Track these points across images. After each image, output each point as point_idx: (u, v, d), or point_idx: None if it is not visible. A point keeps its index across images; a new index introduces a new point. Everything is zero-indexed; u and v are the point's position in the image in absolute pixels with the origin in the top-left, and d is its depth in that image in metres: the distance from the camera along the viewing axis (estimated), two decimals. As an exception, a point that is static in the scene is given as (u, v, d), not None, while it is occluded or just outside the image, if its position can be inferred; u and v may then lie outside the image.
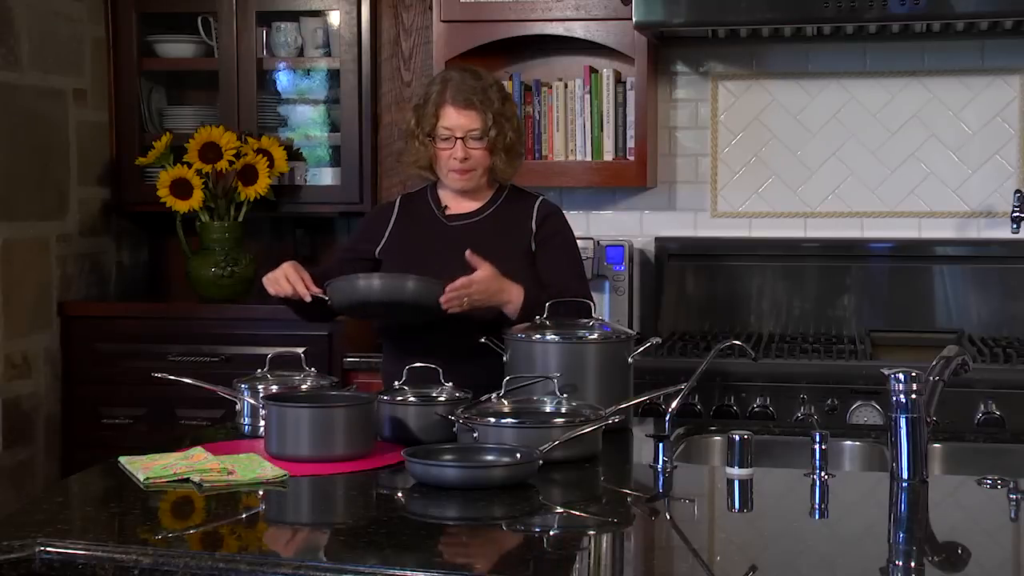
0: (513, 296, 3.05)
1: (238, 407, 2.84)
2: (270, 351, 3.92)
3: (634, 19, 3.89)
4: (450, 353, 2.95)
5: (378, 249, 3.30)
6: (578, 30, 4.15)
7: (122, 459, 2.52)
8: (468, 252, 3.01)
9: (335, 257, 3.47)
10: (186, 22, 4.57)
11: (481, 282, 2.98)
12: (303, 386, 2.82)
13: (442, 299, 2.94)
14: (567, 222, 3.37)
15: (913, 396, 2.36)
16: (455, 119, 3.19)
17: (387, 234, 3.31)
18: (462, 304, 2.96)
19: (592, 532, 2.23)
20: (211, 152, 4.30)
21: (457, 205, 3.31)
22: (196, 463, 2.46)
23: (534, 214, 3.29)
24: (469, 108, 3.19)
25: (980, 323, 4.15)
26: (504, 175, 3.28)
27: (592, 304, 3.10)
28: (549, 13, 4.15)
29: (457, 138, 3.19)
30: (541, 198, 3.34)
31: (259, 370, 2.91)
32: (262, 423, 2.68)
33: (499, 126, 3.21)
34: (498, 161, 3.24)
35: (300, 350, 4.07)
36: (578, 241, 4.08)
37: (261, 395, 2.74)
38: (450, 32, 4.18)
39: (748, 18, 3.86)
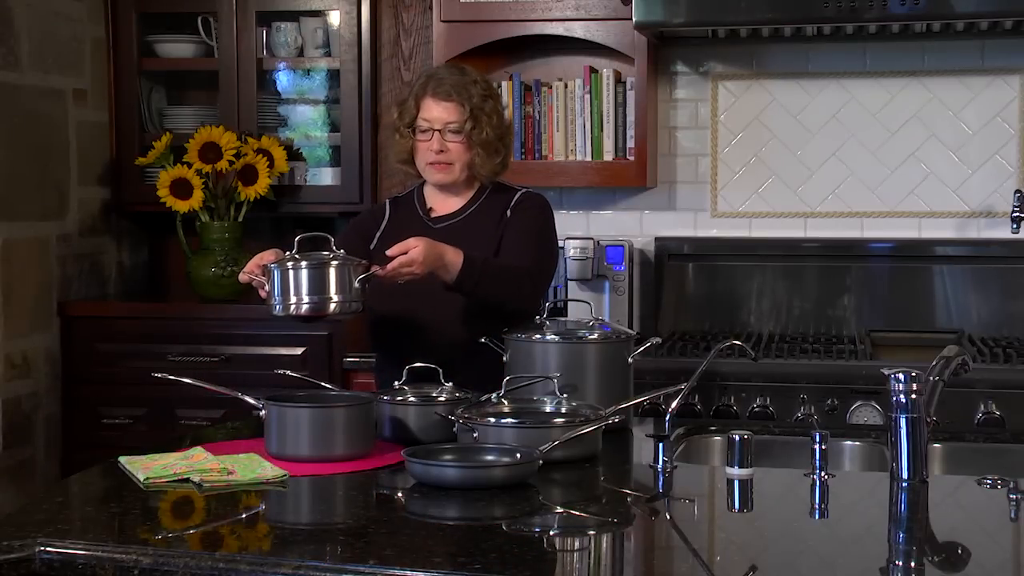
0: (449, 255, 2.95)
1: (267, 287, 2.81)
2: (270, 351, 3.93)
3: (634, 19, 3.89)
4: (442, 356, 2.92)
5: (372, 246, 3.27)
6: (578, 30, 4.16)
7: (122, 459, 2.52)
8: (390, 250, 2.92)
9: None
10: (186, 22, 4.57)
11: (404, 258, 2.87)
12: (334, 262, 2.79)
13: (386, 270, 2.87)
14: (543, 208, 3.28)
15: (913, 396, 2.36)
16: (434, 111, 3.19)
17: (378, 236, 3.28)
18: (407, 273, 2.88)
19: (592, 532, 2.23)
20: (211, 152, 4.30)
21: (441, 205, 3.29)
22: (196, 463, 2.46)
23: (512, 204, 3.25)
24: (448, 100, 3.18)
25: (980, 323, 4.15)
26: (482, 172, 3.24)
27: (531, 275, 3.09)
28: (549, 13, 4.15)
29: (435, 130, 3.18)
30: (524, 190, 3.31)
31: (288, 252, 2.86)
32: (292, 300, 2.75)
33: (476, 120, 3.18)
34: (476, 157, 3.21)
35: (300, 350, 4.13)
36: (577, 241, 4.14)
37: (263, 399, 2.73)
38: (450, 32, 4.18)
39: (748, 18, 3.86)
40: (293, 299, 2.79)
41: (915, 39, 4.20)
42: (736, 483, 2.40)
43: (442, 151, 3.19)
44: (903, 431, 2.36)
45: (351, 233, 3.35)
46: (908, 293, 4.21)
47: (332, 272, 2.79)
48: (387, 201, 3.39)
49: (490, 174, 3.26)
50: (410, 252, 2.87)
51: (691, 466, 2.70)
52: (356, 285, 2.81)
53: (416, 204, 3.31)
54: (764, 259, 4.30)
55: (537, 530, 2.20)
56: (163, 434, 4.02)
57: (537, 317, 2.97)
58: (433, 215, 3.28)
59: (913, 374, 2.37)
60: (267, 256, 2.90)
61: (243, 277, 2.92)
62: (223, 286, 4.38)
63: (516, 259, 3.14)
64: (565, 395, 2.65)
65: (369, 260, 3.23)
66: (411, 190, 3.37)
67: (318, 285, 2.78)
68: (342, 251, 2.87)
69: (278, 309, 2.81)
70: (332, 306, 2.80)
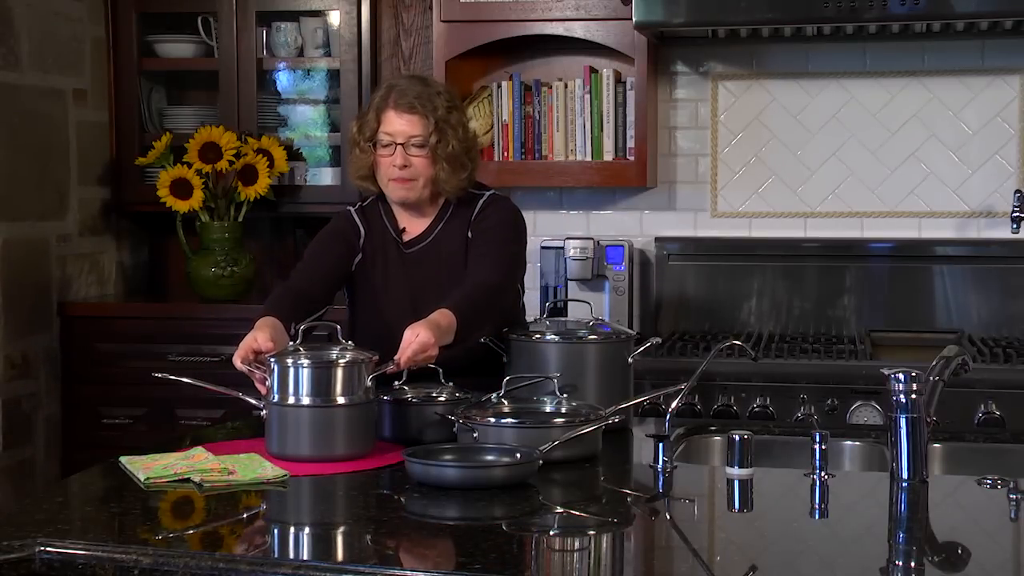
0: (443, 322, 2.80)
1: (268, 382, 2.64)
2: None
3: (634, 19, 3.89)
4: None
5: (354, 263, 3.18)
6: (578, 30, 4.16)
7: (122, 459, 2.52)
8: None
9: (308, 267, 3.17)
10: (186, 22, 4.57)
11: (416, 343, 2.73)
12: (342, 360, 2.62)
13: (401, 363, 2.72)
14: (507, 209, 3.17)
15: (913, 396, 2.36)
16: (396, 124, 3.06)
17: (359, 255, 3.18)
18: (424, 359, 2.74)
19: (592, 532, 2.23)
20: (211, 152, 4.30)
21: (410, 225, 3.17)
22: (196, 463, 2.46)
23: (473, 216, 3.14)
24: (411, 112, 3.06)
25: (980, 323, 4.16)
26: (447, 187, 3.10)
27: (504, 288, 3.01)
28: (549, 13, 4.15)
29: (398, 144, 3.06)
30: (488, 194, 3.18)
31: (291, 344, 2.75)
32: (291, 399, 2.58)
33: (441, 133, 3.06)
34: (440, 171, 3.07)
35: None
36: (577, 241, 4.15)
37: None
38: (450, 32, 4.18)
39: (748, 18, 3.86)
40: (292, 399, 2.60)
41: (915, 39, 4.20)
42: (736, 483, 2.40)
43: (405, 166, 3.07)
44: (903, 431, 2.36)
45: (334, 241, 3.20)
46: (908, 293, 4.21)
47: (340, 372, 2.60)
48: (353, 213, 3.23)
49: (455, 190, 3.12)
50: (418, 338, 2.71)
51: (691, 466, 2.70)
52: (368, 384, 2.64)
53: (386, 222, 3.19)
54: (764, 259, 4.30)
55: (537, 530, 2.20)
56: (163, 434, 4.02)
57: (537, 317, 2.97)
58: (406, 238, 3.17)
59: (913, 374, 2.37)
60: (261, 340, 2.75)
61: (240, 366, 2.76)
62: (223, 286, 4.38)
63: (486, 274, 3.01)
64: (565, 395, 2.65)
65: (351, 272, 3.17)
66: (374, 199, 3.23)
67: (323, 386, 2.59)
68: (350, 342, 2.70)
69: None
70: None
